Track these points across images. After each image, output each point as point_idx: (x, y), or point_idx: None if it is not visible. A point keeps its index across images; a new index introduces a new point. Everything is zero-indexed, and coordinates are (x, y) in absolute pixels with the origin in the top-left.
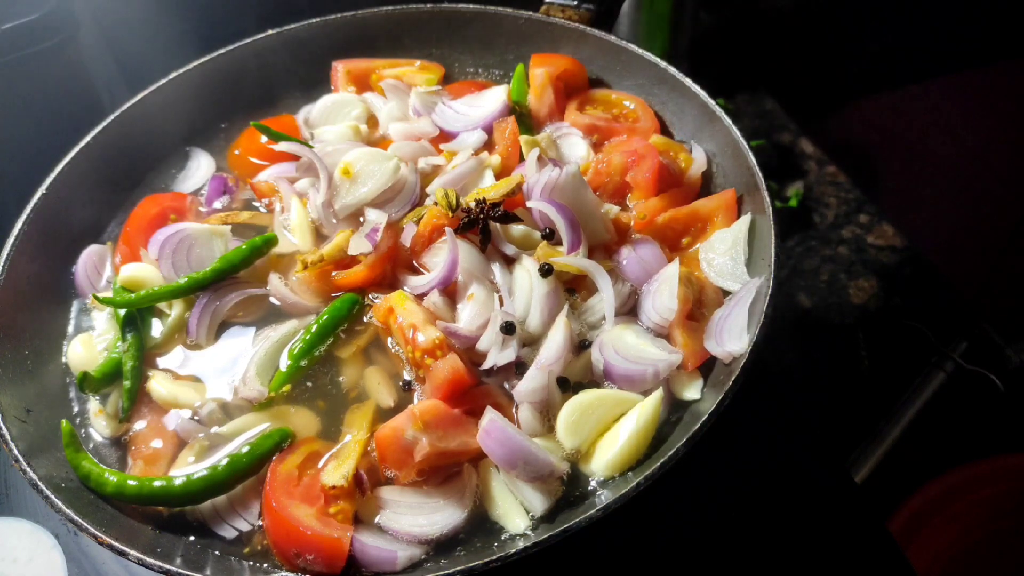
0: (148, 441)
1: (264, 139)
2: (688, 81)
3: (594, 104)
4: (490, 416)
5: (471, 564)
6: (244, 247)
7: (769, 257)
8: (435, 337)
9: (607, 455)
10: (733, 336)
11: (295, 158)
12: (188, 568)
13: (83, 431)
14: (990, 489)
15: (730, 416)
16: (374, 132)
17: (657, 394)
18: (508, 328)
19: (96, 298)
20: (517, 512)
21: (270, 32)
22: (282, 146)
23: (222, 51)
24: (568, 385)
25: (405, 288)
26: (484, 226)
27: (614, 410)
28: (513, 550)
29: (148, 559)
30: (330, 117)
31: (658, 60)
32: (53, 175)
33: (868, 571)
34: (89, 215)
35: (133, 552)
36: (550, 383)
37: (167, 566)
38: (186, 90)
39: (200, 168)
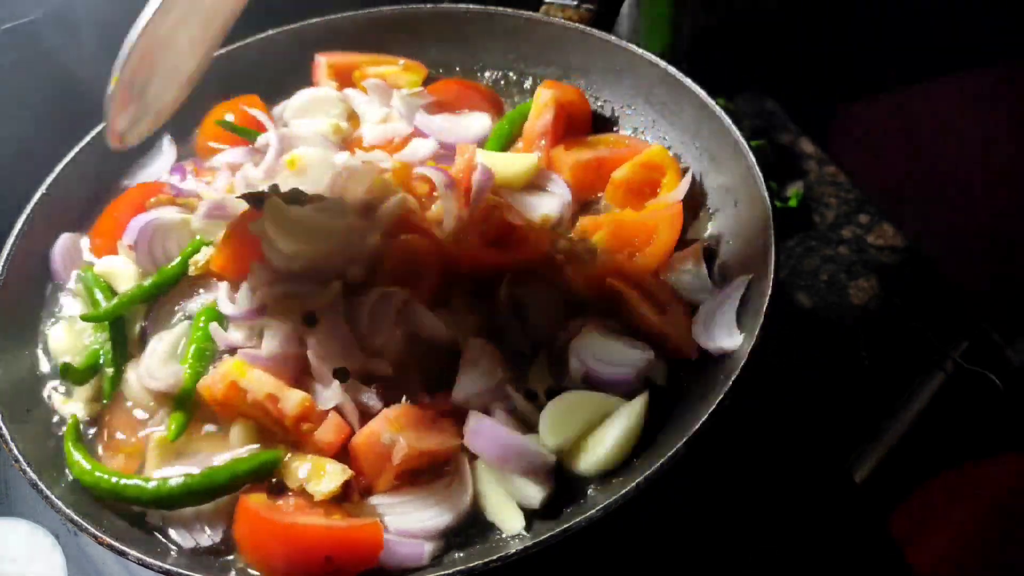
0: (125, 432)
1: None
2: (688, 81)
3: (590, 146)
4: (477, 417)
5: (471, 564)
6: (176, 263)
7: (769, 257)
8: (301, 398)
9: (595, 455)
10: (723, 332)
11: (246, 143)
12: (188, 568)
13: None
14: (990, 489)
15: (729, 416)
16: (356, 128)
17: (644, 395)
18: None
19: (83, 317)
20: (513, 512)
21: (270, 32)
22: (253, 111)
23: (222, 51)
24: (535, 394)
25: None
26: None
27: (597, 411)
28: (513, 550)
29: (148, 559)
30: (308, 113)
31: (658, 60)
32: (53, 175)
33: (868, 571)
34: (89, 214)
35: (133, 552)
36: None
37: (167, 566)
38: None
39: (163, 155)
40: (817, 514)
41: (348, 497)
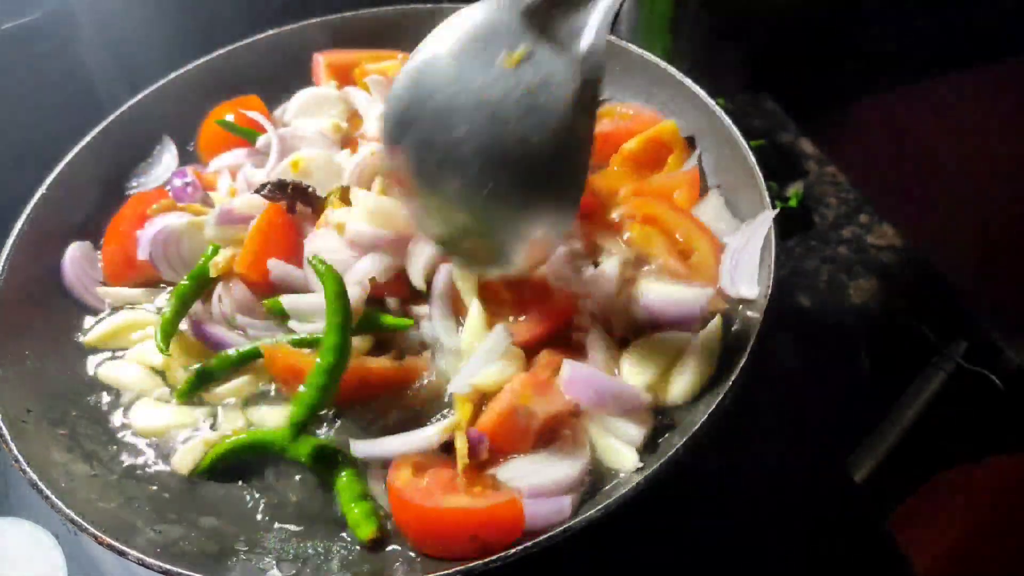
0: None
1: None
2: (688, 81)
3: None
4: (569, 365)
5: (471, 564)
6: (199, 264)
7: (769, 258)
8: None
9: (683, 383)
10: (745, 279)
11: (246, 144)
12: (189, 568)
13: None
14: (990, 489)
15: (729, 417)
16: (356, 128)
17: (718, 318)
18: None
19: (180, 393)
20: (625, 451)
21: (270, 32)
22: (252, 114)
23: (222, 51)
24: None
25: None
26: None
27: (672, 348)
28: (512, 550)
29: (148, 559)
30: (308, 113)
31: (658, 60)
32: (53, 175)
33: (868, 571)
34: (89, 215)
35: (133, 552)
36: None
37: (167, 566)
38: (186, 90)
39: (164, 159)
40: (817, 514)
41: (484, 467)
